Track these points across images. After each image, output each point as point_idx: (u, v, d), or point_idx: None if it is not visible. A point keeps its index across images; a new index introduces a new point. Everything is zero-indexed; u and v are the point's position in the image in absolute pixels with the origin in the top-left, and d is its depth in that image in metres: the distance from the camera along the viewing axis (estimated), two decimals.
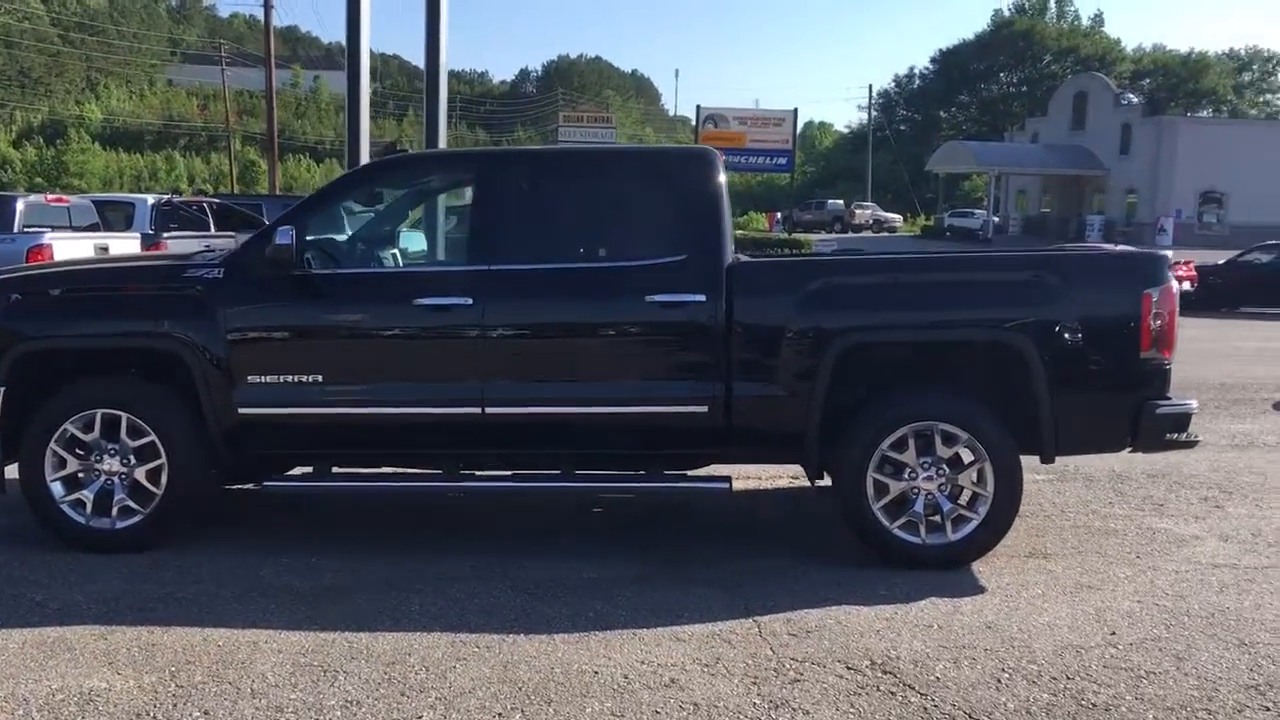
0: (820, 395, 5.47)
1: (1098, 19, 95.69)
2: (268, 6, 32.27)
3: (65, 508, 5.79)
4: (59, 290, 5.99)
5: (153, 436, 5.72)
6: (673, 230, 5.68)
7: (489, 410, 5.62)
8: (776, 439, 5.67)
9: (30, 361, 5.81)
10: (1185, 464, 7.90)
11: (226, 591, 5.22)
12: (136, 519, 5.79)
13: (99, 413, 5.73)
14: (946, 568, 5.48)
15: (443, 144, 19.62)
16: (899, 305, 5.53)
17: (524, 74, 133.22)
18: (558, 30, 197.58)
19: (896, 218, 63.62)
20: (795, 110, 47.70)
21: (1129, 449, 5.59)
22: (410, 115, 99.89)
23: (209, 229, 15.62)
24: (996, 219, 55.62)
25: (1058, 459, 5.59)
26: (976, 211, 61.55)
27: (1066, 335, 5.38)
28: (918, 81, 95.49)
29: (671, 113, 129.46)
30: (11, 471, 5.88)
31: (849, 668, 4.31)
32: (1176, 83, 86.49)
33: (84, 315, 5.86)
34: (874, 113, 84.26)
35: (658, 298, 5.54)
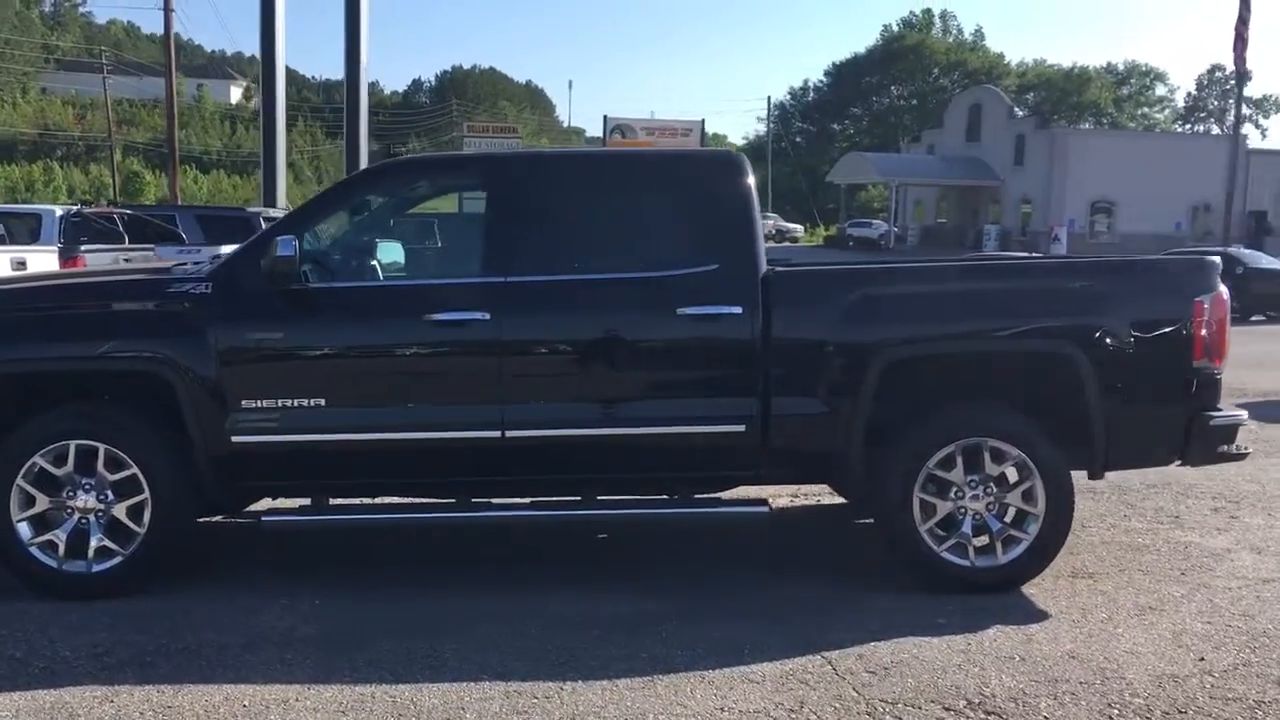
0: (864, 412, 5.17)
1: (979, 34, 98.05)
2: (168, 11, 30.93)
3: (34, 550, 5.21)
4: (21, 309, 5.40)
5: (134, 469, 5.17)
6: (702, 238, 5.33)
7: (509, 433, 5.19)
8: (816, 458, 5.37)
9: None
10: (1178, 473, 7.77)
11: (232, 640, 4.71)
12: (115, 561, 5.22)
13: (73, 444, 5.16)
14: (997, 591, 5.23)
15: (364, 157, 19.02)
16: (946, 315, 5.26)
17: (417, 84, 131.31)
18: (450, 40, 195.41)
19: (798, 228, 64.25)
20: (702, 121, 47.81)
21: (1178, 462, 5.41)
22: (300, 125, 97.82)
23: (123, 241, 14.76)
24: (896, 229, 56.45)
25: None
26: (875, 221, 62.44)
27: (1118, 345, 5.19)
28: (812, 94, 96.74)
29: (566, 124, 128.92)
30: None
31: (946, 708, 4.01)
32: (1060, 96, 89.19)
33: (54, 336, 5.27)
34: (771, 124, 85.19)
35: (690, 310, 5.18)
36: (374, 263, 5.52)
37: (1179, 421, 5.25)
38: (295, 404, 5.20)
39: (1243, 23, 29.08)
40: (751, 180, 5.45)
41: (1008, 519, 5.28)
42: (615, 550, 6.12)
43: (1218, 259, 5.41)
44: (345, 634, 4.78)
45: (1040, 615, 4.98)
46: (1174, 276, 5.36)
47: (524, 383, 5.23)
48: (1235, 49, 29.09)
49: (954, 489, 5.24)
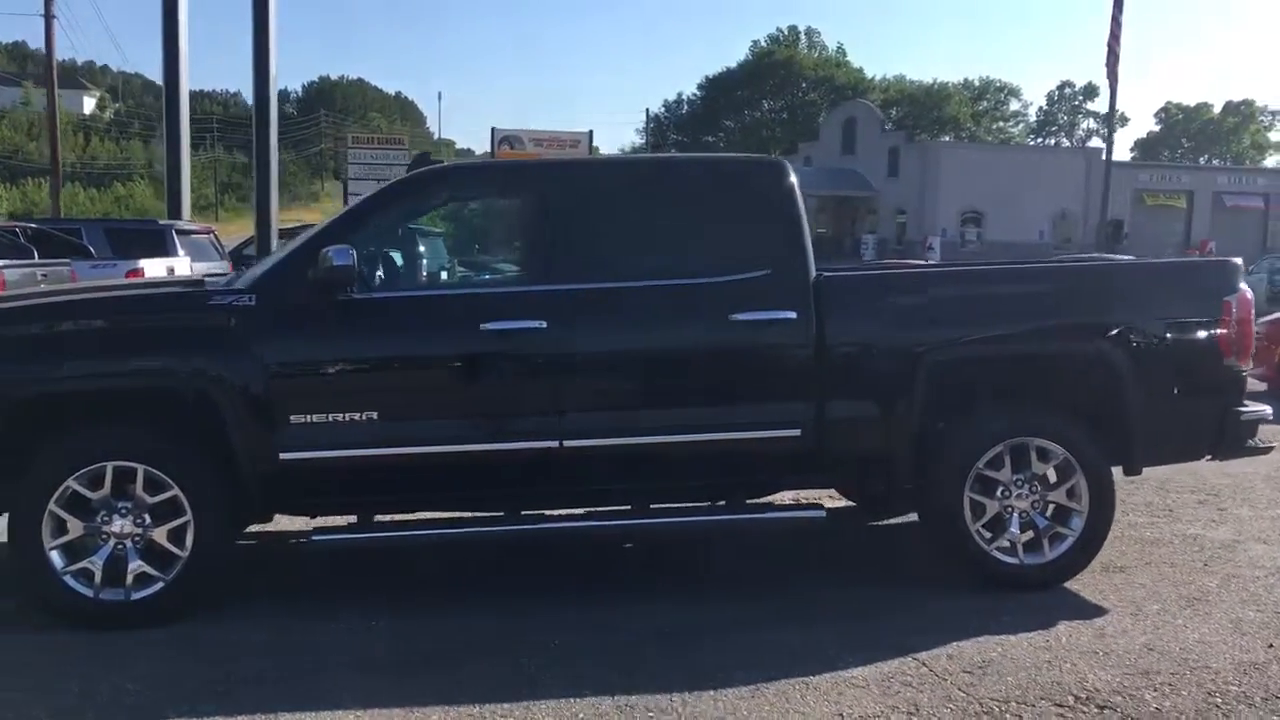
0: (916, 413, 5.26)
1: (840, 51, 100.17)
2: (49, 17, 29.38)
3: (69, 579, 4.93)
4: (50, 325, 5.11)
5: (175, 491, 4.94)
6: (752, 244, 5.34)
7: (567, 444, 5.12)
8: (867, 462, 5.42)
9: (20, 410, 4.92)
10: (1152, 469, 8.07)
11: (302, 666, 4.53)
12: (156, 588, 4.98)
13: (110, 466, 4.91)
14: (1044, 587, 5.36)
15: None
16: (993, 318, 5.39)
17: (284, 95, 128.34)
18: (317, 51, 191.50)
19: None
20: (590, 132, 47.68)
21: (1208, 457, 5.63)
22: (160, 135, 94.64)
23: (33, 256, 14.04)
24: None
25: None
26: None
27: (1154, 344, 5.38)
28: (686, 107, 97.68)
29: (436, 136, 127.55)
30: None
31: (1058, 705, 4.09)
32: (921, 111, 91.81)
33: (89, 353, 5.01)
34: (647, 137, 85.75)
35: (744, 316, 5.19)
36: (423, 272, 5.40)
37: (1211, 417, 5.47)
38: (347, 418, 5.04)
39: (1114, 38, 30.41)
40: (796, 184, 5.49)
41: (1051, 516, 5.41)
42: (649, 560, 6.07)
43: (1239, 260, 5.65)
44: (418, 655, 4.64)
45: (1097, 610, 5.12)
46: (1203, 277, 5.59)
47: (581, 391, 5.18)
48: (1108, 63, 30.37)
49: (1000, 488, 5.36)
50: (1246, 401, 5.55)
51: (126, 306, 5.28)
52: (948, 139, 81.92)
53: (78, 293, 5.70)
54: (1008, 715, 4.00)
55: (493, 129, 46.53)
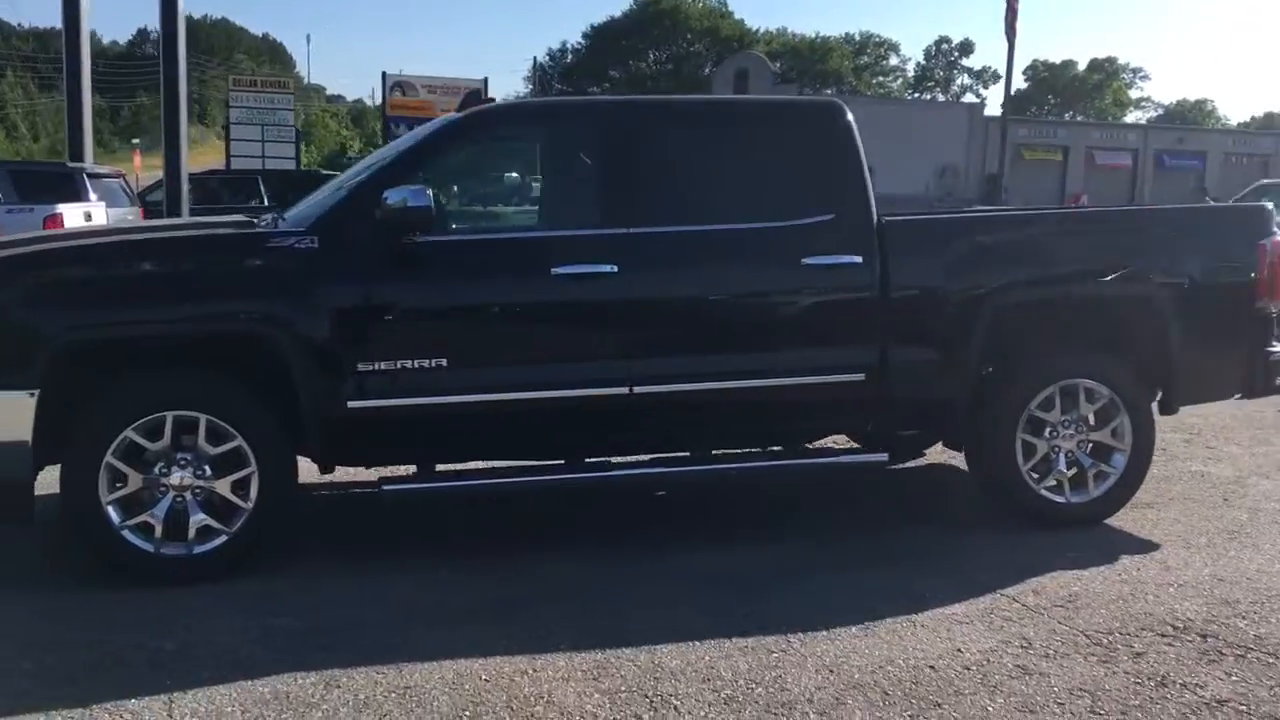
0: (975, 357, 5.35)
1: (723, 1, 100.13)
2: None
3: (127, 534, 4.72)
4: (103, 268, 4.84)
5: (239, 441, 4.76)
6: (817, 187, 5.33)
7: (637, 389, 5.08)
8: (926, 405, 5.48)
9: (72, 358, 4.66)
10: None
11: (390, 616, 4.42)
12: (219, 541, 4.80)
13: (169, 415, 4.69)
14: (1088, 524, 5.54)
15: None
16: (1049, 262, 5.50)
17: (143, 34, 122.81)
18: None
19: None
20: (486, 80, 46.89)
21: (1239, 395, 5.85)
22: (9, 77, 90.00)
23: None
24: None
25: None
26: None
27: (1195, 287, 5.55)
28: (570, 56, 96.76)
29: (306, 80, 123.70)
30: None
31: (1160, 635, 4.23)
32: (805, 65, 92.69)
33: (147, 297, 4.77)
34: (531, 86, 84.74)
35: (813, 260, 5.20)
36: (487, 214, 5.26)
37: (1244, 357, 5.68)
38: (416, 365, 4.90)
39: None
40: (854, 126, 5.49)
41: (1095, 455, 5.57)
42: (694, 508, 6.06)
43: (1270, 205, 5.87)
44: (505, 604, 4.57)
45: (1150, 545, 5.31)
46: (1241, 222, 5.78)
47: (651, 336, 5.13)
48: (1006, 19, 30.94)
49: (1049, 428, 5.50)
50: (1275, 342, 5.77)
51: (184, 248, 5.03)
52: (830, 92, 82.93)
53: (123, 234, 5.40)
54: (1118, 646, 4.12)
55: (383, 73, 45.22)
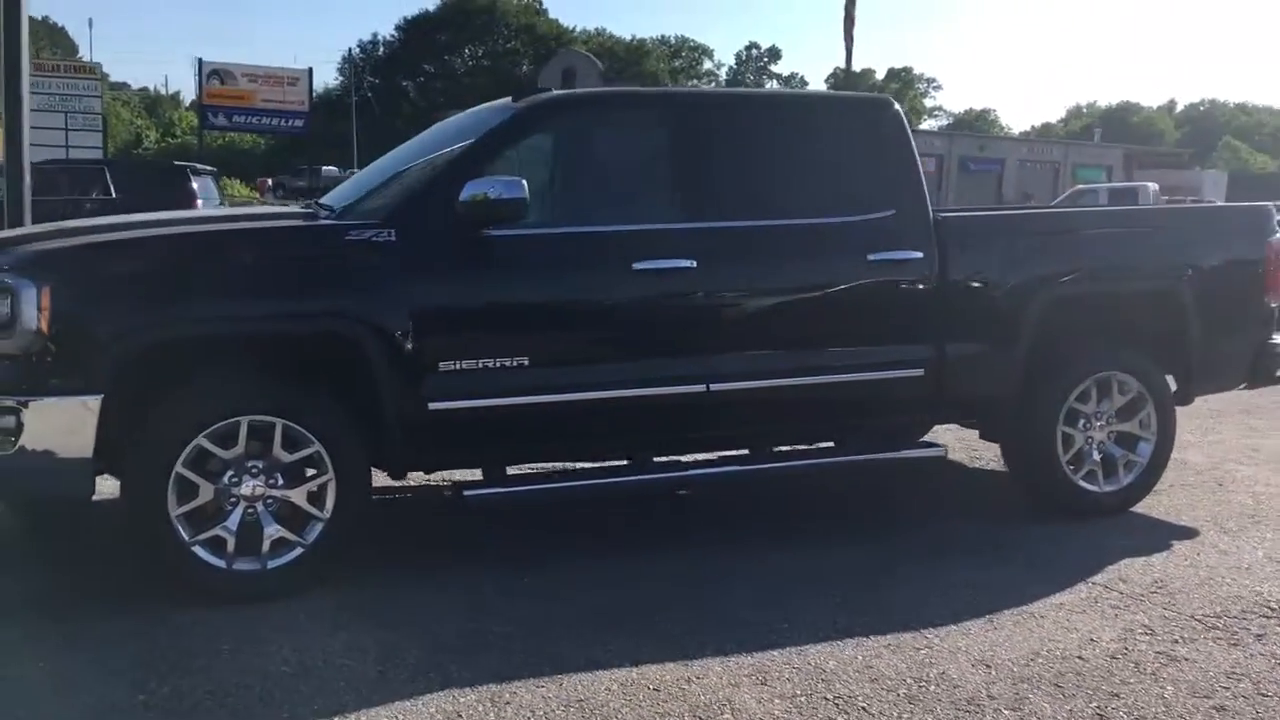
0: (1023, 351, 5.49)
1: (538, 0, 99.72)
2: None
3: (198, 549, 4.36)
4: (175, 261, 4.45)
5: (317, 447, 4.46)
6: (878, 183, 5.37)
7: (714, 387, 5.01)
8: (977, 400, 5.59)
9: (140, 359, 4.27)
10: None
11: (509, 628, 4.23)
12: (295, 553, 4.50)
13: (243, 421, 4.37)
14: (1117, 512, 5.76)
15: (26, 86, 16.94)
16: (1090, 258, 5.69)
17: None
18: None
19: None
20: (310, 70, 45.48)
21: (1243, 386, 6.19)
22: None
23: None
24: None
25: None
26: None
27: (1213, 283, 5.84)
28: (383, 49, 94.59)
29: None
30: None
31: (1266, 617, 4.40)
32: (622, 66, 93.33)
33: (222, 293, 4.41)
34: (345, 79, 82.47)
35: (878, 256, 5.25)
36: (561, 206, 5.08)
37: (1251, 350, 6.01)
38: (498, 364, 4.70)
39: (851, 3, 32.05)
40: (907, 122, 5.56)
41: (1123, 445, 5.80)
42: (745, 505, 6.00)
43: (1273, 205, 6.24)
44: (610, 610, 4.43)
45: (1189, 530, 5.56)
46: (1252, 221, 6.10)
47: (728, 332, 5.08)
48: (845, 28, 31.92)
49: (1082, 420, 5.70)
50: (1276, 335, 6.12)
51: (259, 241, 4.67)
52: None
53: (188, 224, 4.97)
54: (1235, 629, 4.27)
55: (199, 60, 43.33)
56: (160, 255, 4.47)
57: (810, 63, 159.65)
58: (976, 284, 5.46)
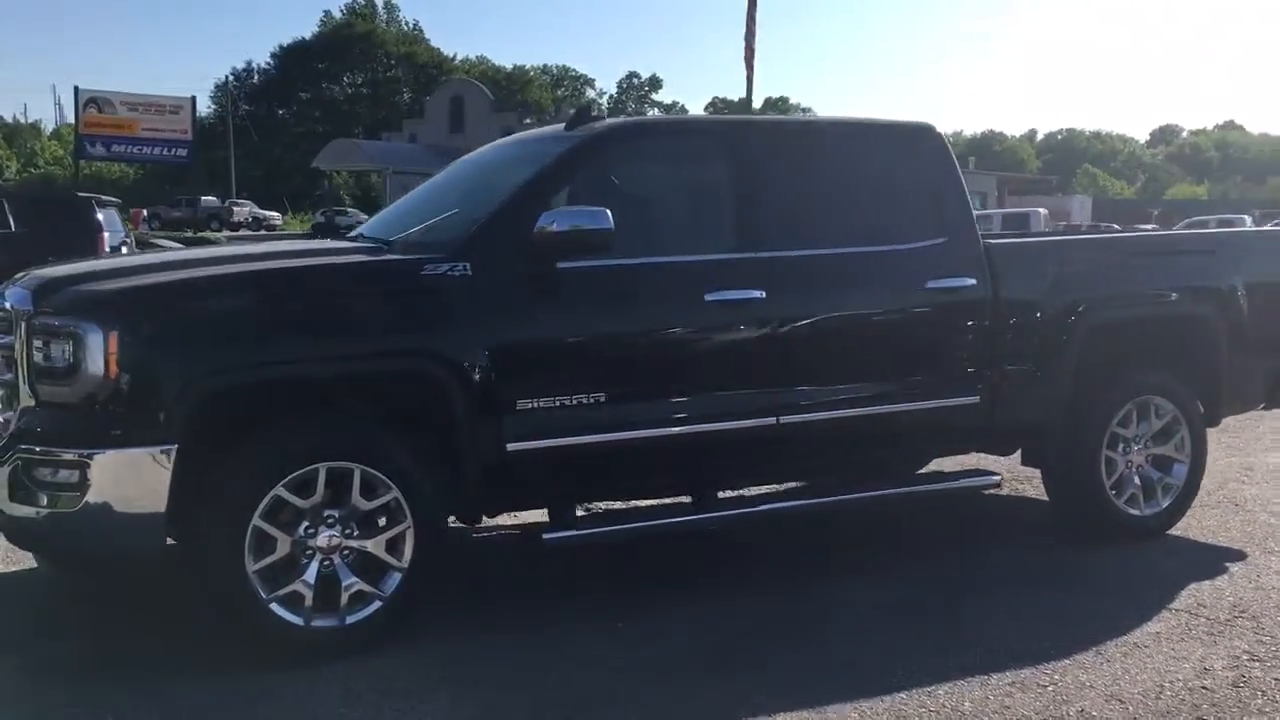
0: (1069, 375, 5.51)
1: (418, 29, 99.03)
2: None
3: (276, 607, 4.07)
4: (249, 299, 4.16)
5: (394, 493, 4.22)
6: (929, 210, 5.33)
7: (783, 420, 4.91)
8: (1028, 425, 5.57)
9: (212, 406, 3.98)
10: None
11: (631, 678, 4.03)
12: (373, 607, 4.24)
13: (322, 468, 4.10)
14: (1155, 535, 5.80)
15: None
16: (1134, 283, 5.77)
17: None
18: None
19: (276, 215, 61.39)
20: (194, 98, 44.09)
21: (1262, 406, 6.32)
22: None
23: None
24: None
25: None
26: (351, 210, 61.51)
27: (1238, 305, 5.94)
28: (257, 77, 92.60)
29: None
30: None
31: None
32: (505, 94, 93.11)
33: (300, 333, 4.14)
34: (219, 107, 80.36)
35: (936, 283, 5.22)
36: (629, 236, 4.90)
37: (1270, 370, 6.14)
38: (574, 401, 4.52)
39: (750, 34, 32.33)
40: (950, 149, 5.55)
41: (1160, 468, 5.85)
42: (785, 540, 5.88)
43: None
44: (712, 652, 4.29)
45: (1236, 553, 5.58)
46: (1270, 246, 6.24)
47: (795, 364, 4.97)
48: (746, 58, 32.17)
49: (1122, 444, 5.74)
50: None
51: (335, 277, 4.40)
52: (529, 121, 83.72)
53: (250, 260, 4.65)
54: None
55: (76, 88, 41.60)
56: (237, 293, 4.17)
57: (689, 92, 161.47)
58: (1026, 309, 5.45)
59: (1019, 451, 5.83)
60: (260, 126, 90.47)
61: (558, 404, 4.48)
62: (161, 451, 3.87)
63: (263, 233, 53.06)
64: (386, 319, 4.27)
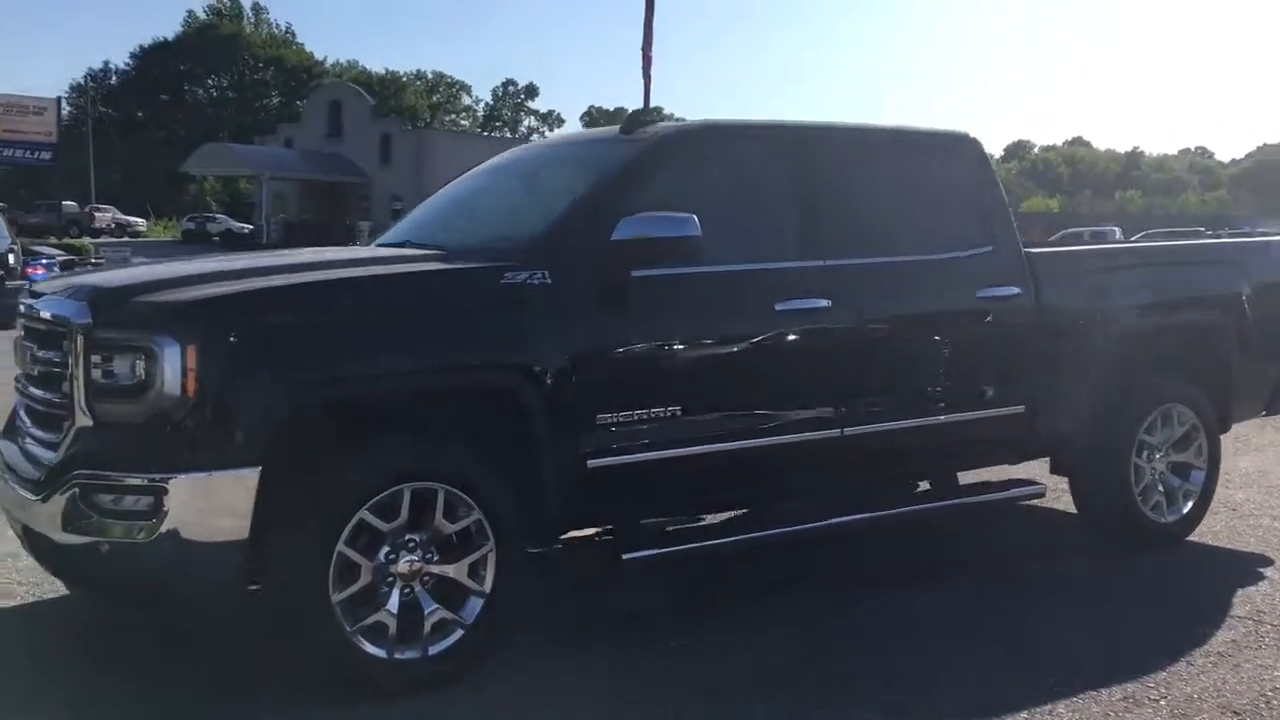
0: (1104, 384, 5.55)
1: (290, 32, 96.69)
2: None
3: (361, 640, 3.79)
4: (330, 311, 3.86)
5: (477, 514, 3.98)
6: (975, 218, 5.32)
7: (847, 431, 4.82)
8: (1063, 433, 5.57)
9: (293, 425, 3.68)
10: None
11: (696, 699, 3.88)
12: (454, 637, 3.98)
13: (407, 489, 3.84)
14: (1175, 542, 5.88)
15: None
16: (1161, 292, 5.83)
17: None
18: None
19: (140, 221, 59.16)
20: (60, 99, 42.22)
21: (1264, 413, 6.46)
22: None
23: None
24: (255, 224, 54.42)
25: None
26: (219, 216, 59.72)
27: (1247, 314, 6.06)
28: (115, 78, 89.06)
29: None
30: None
31: None
32: (380, 100, 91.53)
33: (386, 347, 3.86)
34: (75, 109, 77.07)
35: (986, 292, 5.19)
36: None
37: (1272, 377, 6.28)
38: (651, 415, 4.35)
39: (647, 43, 32.34)
40: (989, 158, 5.55)
41: (1180, 475, 5.93)
42: (840, 551, 5.76)
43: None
44: (790, 668, 4.17)
45: (1265, 559, 5.63)
46: (1269, 252, 6.39)
47: (858, 374, 4.89)
48: (643, 67, 32.13)
49: (1146, 451, 5.80)
50: None
51: (417, 286, 4.11)
52: (407, 129, 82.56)
53: (324, 268, 4.30)
54: None
55: None
56: (321, 302, 3.87)
57: (566, 101, 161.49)
58: (1066, 318, 5.46)
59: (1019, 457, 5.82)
60: (118, 129, 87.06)
61: (636, 418, 4.30)
62: (245, 474, 3.56)
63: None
64: (475, 330, 4.03)
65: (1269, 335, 6.17)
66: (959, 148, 5.49)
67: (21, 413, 4.40)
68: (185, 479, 3.52)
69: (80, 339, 3.68)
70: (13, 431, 4.45)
